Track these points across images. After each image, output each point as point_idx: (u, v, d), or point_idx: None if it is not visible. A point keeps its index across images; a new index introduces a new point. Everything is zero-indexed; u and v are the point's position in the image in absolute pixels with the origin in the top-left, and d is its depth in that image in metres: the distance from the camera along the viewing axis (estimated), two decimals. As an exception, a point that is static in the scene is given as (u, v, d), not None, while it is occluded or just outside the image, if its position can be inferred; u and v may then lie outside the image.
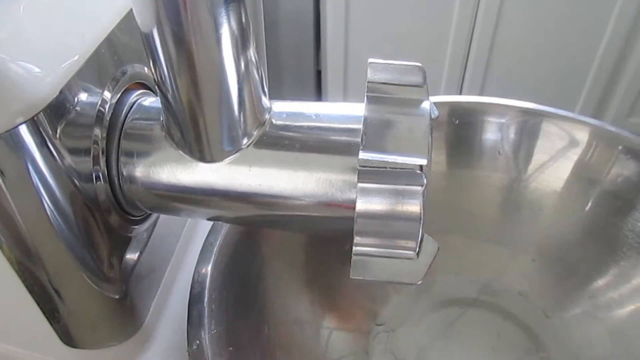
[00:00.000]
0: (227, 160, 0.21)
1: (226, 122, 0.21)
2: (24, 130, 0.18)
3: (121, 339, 0.27)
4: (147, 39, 0.19)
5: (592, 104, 1.16)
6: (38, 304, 0.23)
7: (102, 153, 0.22)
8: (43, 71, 0.19)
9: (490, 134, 0.38)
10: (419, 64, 0.21)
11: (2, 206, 0.20)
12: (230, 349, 0.27)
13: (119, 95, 0.23)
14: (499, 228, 0.39)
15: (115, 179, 0.23)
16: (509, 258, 0.39)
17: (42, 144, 0.19)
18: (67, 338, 0.25)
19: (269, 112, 0.22)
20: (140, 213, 0.26)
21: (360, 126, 0.20)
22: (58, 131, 0.19)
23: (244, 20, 0.19)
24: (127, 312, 0.26)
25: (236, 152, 0.21)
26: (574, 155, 0.36)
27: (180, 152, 0.22)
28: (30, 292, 0.23)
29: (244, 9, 0.18)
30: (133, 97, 0.24)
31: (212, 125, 0.21)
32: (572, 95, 1.16)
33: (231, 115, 0.20)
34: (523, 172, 0.38)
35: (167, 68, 0.19)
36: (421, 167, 0.19)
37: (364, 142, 0.19)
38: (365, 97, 0.20)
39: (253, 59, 0.20)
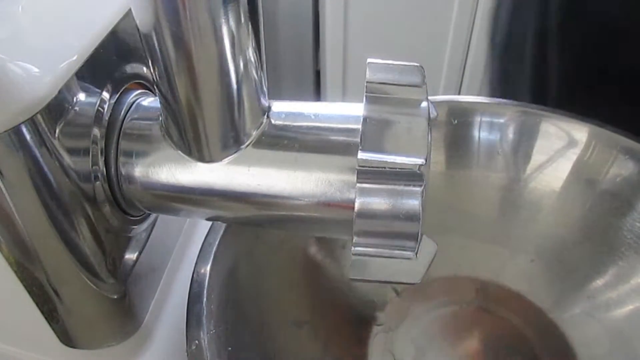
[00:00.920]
0: (226, 160, 0.21)
1: (225, 122, 0.21)
2: (22, 130, 0.18)
3: (120, 339, 0.27)
4: (146, 39, 0.19)
5: (591, 104, 1.16)
6: (37, 304, 0.23)
7: (101, 153, 0.22)
8: (42, 71, 0.19)
9: (489, 134, 0.38)
10: (418, 64, 0.21)
11: (0, 206, 0.20)
12: (230, 349, 0.27)
13: (117, 95, 0.23)
14: (497, 228, 0.39)
15: (114, 178, 0.23)
16: (508, 258, 0.39)
17: (40, 143, 0.19)
18: (66, 338, 0.25)
19: (268, 112, 0.22)
20: (139, 213, 0.26)
21: (359, 126, 0.20)
22: (57, 131, 0.19)
23: (242, 20, 0.19)
24: (125, 312, 0.26)
25: (235, 152, 0.21)
26: (572, 155, 0.36)
27: (179, 152, 0.22)
28: (29, 292, 0.23)
29: (243, 9, 0.18)
30: (132, 97, 0.24)
31: (211, 125, 0.21)
32: (571, 95, 1.16)
33: (230, 115, 0.20)
34: (522, 172, 0.38)
35: (165, 68, 0.19)
36: (420, 167, 0.19)
37: (363, 142, 0.19)
38: (364, 97, 0.20)
39: (252, 59, 0.20)
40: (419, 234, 0.19)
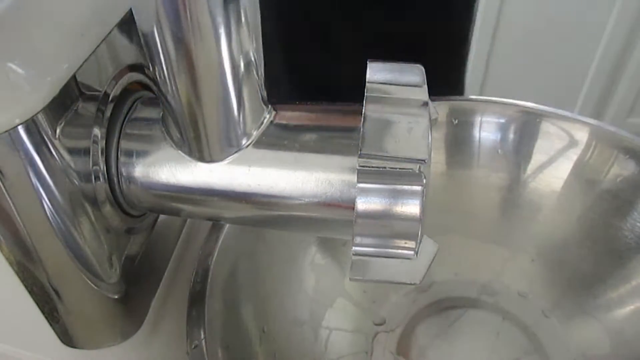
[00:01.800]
0: (227, 160, 0.21)
1: (225, 122, 0.21)
2: (23, 131, 0.18)
3: (120, 339, 0.27)
4: (146, 39, 0.19)
5: (592, 103, 1.17)
6: (37, 304, 0.23)
7: (102, 153, 0.22)
8: (42, 71, 0.19)
9: (490, 134, 0.38)
10: (419, 64, 0.21)
11: (1, 206, 0.20)
12: (230, 348, 0.27)
13: (118, 95, 0.23)
14: (498, 228, 0.39)
15: (115, 178, 0.23)
16: (508, 258, 0.39)
17: (41, 144, 0.19)
18: (67, 338, 0.25)
19: (269, 112, 0.22)
20: (140, 213, 0.26)
21: (359, 126, 0.20)
22: (57, 131, 0.19)
23: (242, 20, 0.19)
24: (126, 312, 0.26)
25: (235, 152, 0.21)
26: (573, 155, 0.36)
27: (180, 152, 0.22)
28: (30, 292, 0.23)
29: (242, 9, 0.18)
30: (132, 97, 0.24)
31: (211, 125, 0.21)
32: (571, 95, 1.16)
33: (230, 115, 0.20)
34: (522, 172, 0.38)
35: (166, 68, 0.19)
36: (420, 167, 0.19)
37: (363, 142, 0.19)
38: (365, 97, 0.20)
39: (252, 58, 0.20)
40: (420, 234, 0.19)
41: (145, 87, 0.25)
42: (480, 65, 1.11)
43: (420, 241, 0.20)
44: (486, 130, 0.38)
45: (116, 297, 0.25)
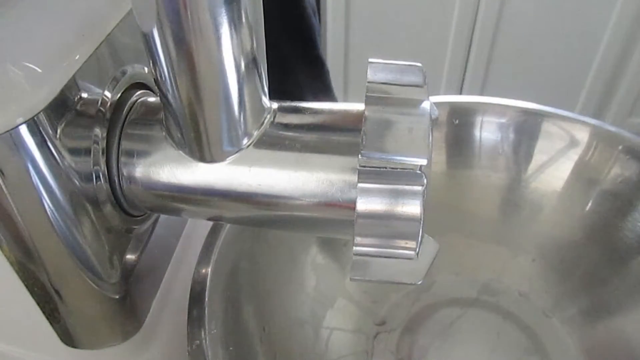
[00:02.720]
0: (227, 160, 0.21)
1: (226, 122, 0.21)
2: (24, 130, 0.18)
3: (121, 339, 0.27)
4: (147, 39, 0.19)
5: (593, 103, 1.16)
6: (38, 304, 0.23)
7: (102, 153, 0.22)
8: (43, 71, 0.19)
9: (490, 134, 0.38)
10: (419, 64, 0.21)
11: (2, 206, 0.20)
12: (230, 349, 0.27)
13: (119, 95, 0.23)
14: (499, 228, 0.39)
15: (116, 178, 0.23)
16: (508, 258, 0.39)
17: (42, 144, 0.19)
18: (67, 338, 0.25)
19: (269, 112, 0.22)
20: (141, 213, 0.26)
21: (360, 126, 0.20)
22: (58, 131, 0.19)
23: (243, 19, 0.19)
24: (127, 312, 0.26)
25: (236, 152, 0.21)
26: (574, 155, 0.36)
27: (181, 152, 0.22)
28: (30, 292, 0.23)
29: (244, 8, 0.18)
30: (133, 97, 0.24)
31: (212, 125, 0.21)
32: (572, 95, 1.16)
33: (231, 115, 0.20)
34: (523, 172, 0.38)
35: (167, 68, 0.19)
36: (421, 167, 0.19)
37: (364, 142, 0.19)
38: (365, 97, 0.20)
39: (254, 58, 0.20)
40: (420, 234, 0.19)
41: (146, 87, 0.25)
42: (481, 66, 1.11)
43: (421, 241, 0.20)
44: (487, 130, 0.38)
45: (117, 297, 0.25)
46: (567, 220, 0.37)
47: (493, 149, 0.38)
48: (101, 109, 0.22)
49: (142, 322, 0.28)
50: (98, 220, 0.22)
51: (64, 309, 0.24)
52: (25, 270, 0.22)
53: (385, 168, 0.19)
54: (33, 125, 0.18)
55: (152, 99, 0.25)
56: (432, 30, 1.07)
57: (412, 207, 0.19)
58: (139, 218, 0.26)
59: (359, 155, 0.19)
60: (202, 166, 0.22)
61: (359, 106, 0.22)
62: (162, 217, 0.28)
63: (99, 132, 0.22)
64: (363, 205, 0.19)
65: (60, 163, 0.20)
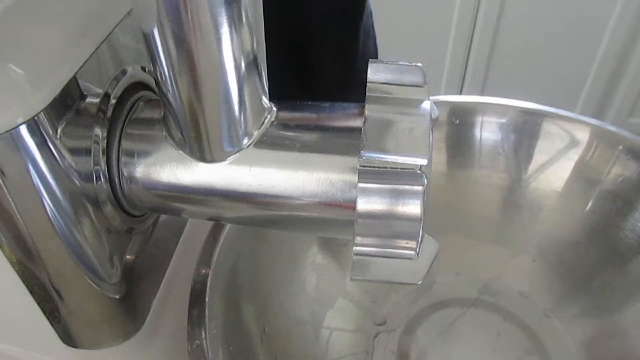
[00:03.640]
0: (228, 160, 0.21)
1: (226, 122, 0.21)
2: (24, 130, 0.18)
3: (121, 339, 0.27)
4: (148, 39, 0.19)
5: (593, 103, 1.16)
6: (38, 304, 0.23)
7: (103, 153, 0.22)
8: (43, 71, 0.19)
9: (491, 134, 0.38)
10: (419, 64, 0.21)
11: (2, 206, 0.20)
12: (231, 348, 0.27)
13: (119, 95, 0.23)
14: (499, 228, 0.39)
15: (116, 178, 0.23)
16: (509, 258, 0.39)
17: (42, 143, 0.19)
18: (68, 338, 0.25)
19: (270, 112, 0.22)
20: (141, 213, 0.26)
21: (360, 126, 0.20)
22: (59, 131, 0.19)
23: (244, 20, 0.19)
24: (127, 312, 0.26)
25: (236, 152, 0.21)
26: (574, 155, 0.36)
27: (181, 152, 0.22)
28: (31, 292, 0.23)
29: (244, 8, 0.18)
30: (134, 96, 0.24)
31: (212, 125, 0.21)
32: (572, 95, 1.16)
33: (231, 115, 0.20)
34: (523, 172, 0.38)
35: (167, 68, 0.19)
36: (421, 167, 0.19)
37: (364, 142, 0.19)
38: (366, 97, 0.20)
39: (254, 58, 0.20)
40: (421, 234, 0.19)
41: (146, 87, 0.25)
42: (481, 65, 1.11)
43: (421, 241, 0.20)
44: (487, 131, 0.38)
45: (117, 297, 0.25)
46: (568, 220, 0.37)
47: (493, 149, 0.38)
48: (101, 108, 0.22)
49: (143, 322, 0.28)
50: (98, 220, 0.22)
51: (65, 309, 0.24)
52: (26, 270, 0.22)
53: (386, 168, 0.19)
54: (33, 125, 0.18)
55: (152, 99, 0.25)
56: (432, 30, 1.07)
57: (413, 207, 0.19)
58: (139, 218, 0.26)
59: (359, 155, 0.19)
60: (203, 166, 0.22)
61: (359, 106, 0.22)
62: (162, 217, 0.28)
63: (99, 132, 0.22)
64: (363, 205, 0.19)
65: (61, 163, 0.20)
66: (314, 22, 0.45)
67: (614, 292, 0.35)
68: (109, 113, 0.22)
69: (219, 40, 0.18)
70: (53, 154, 0.20)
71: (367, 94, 0.20)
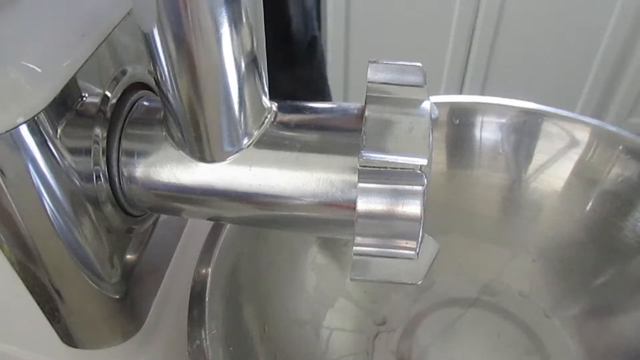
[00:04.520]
0: (228, 160, 0.21)
1: (226, 122, 0.21)
2: (24, 130, 0.18)
3: (122, 339, 0.27)
4: (148, 39, 0.19)
5: (593, 103, 1.16)
6: (38, 304, 0.23)
7: (103, 153, 0.22)
8: (43, 71, 0.19)
9: (491, 134, 0.38)
10: (419, 64, 0.21)
11: (2, 206, 0.20)
12: (231, 348, 0.27)
13: (119, 95, 0.23)
14: (499, 228, 0.39)
15: (116, 178, 0.23)
16: (509, 258, 0.39)
17: (42, 143, 0.19)
18: (68, 338, 0.25)
19: (270, 112, 0.22)
20: (141, 213, 0.26)
21: (360, 126, 0.20)
22: (59, 131, 0.19)
23: (244, 19, 0.19)
24: (127, 312, 0.26)
25: (236, 152, 0.21)
26: (574, 155, 0.36)
27: (181, 152, 0.22)
28: (31, 292, 0.23)
29: (244, 8, 0.18)
30: (134, 96, 0.24)
31: (212, 125, 0.21)
32: (572, 95, 1.16)
33: (231, 115, 0.20)
34: (523, 172, 0.38)
35: (167, 68, 0.19)
36: (421, 167, 0.19)
37: (364, 142, 0.19)
38: (366, 97, 0.20)
39: (254, 58, 0.20)
40: (421, 234, 0.19)
41: (146, 87, 0.25)
42: (481, 65, 1.11)
43: (421, 241, 0.20)
44: (487, 130, 0.38)
45: (117, 297, 0.25)
46: (568, 220, 0.37)
47: (493, 149, 0.38)
48: (101, 108, 0.22)
49: (143, 322, 0.28)
50: (98, 220, 0.22)
51: (64, 309, 0.24)
52: (26, 270, 0.22)
53: (386, 168, 0.19)
54: (33, 125, 0.18)
55: (152, 99, 0.25)
56: (432, 30, 1.07)
57: (413, 207, 0.19)
58: (139, 218, 0.26)
59: (359, 155, 0.19)
60: (203, 166, 0.22)
61: (359, 106, 0.22)
62: (162, 217, 0.28)
63: (99, 132, 0.22)
64: (363, 205, 0.19)
65: (61, 163, 0.20)
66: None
67: (614, 292, 0.35)
68: (109, 113, 0.22)
69: (219, 40, 0.18)
70: (53, 154, 0.20)
71: (367, 93, 0.20)
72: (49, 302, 0.23)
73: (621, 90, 1.13)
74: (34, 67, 0.19)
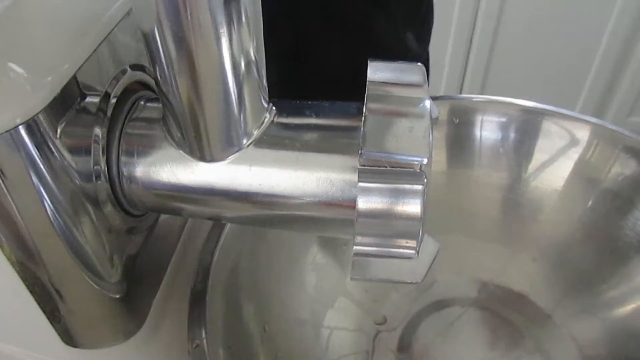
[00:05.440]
0: (228, 159, 0.21)
1: (226, 122, 0.21)
2: (24, 130, 0.18)
3: (122, 338, 0.27)
4: (147, 39, 0.19)
5: (593, 102, 1.16)
6: (39, 304, 0.23)
7: (103, 152, 0.22)
8: (43, 71, 0.19)
9: (491, 133, 0.38)
10: (419, 64, 0.21)
11: (2, 206, 0.20)
12: (230, 349, 0.27)
13: (119, 94, 0.23)
14: (499, 227, 0.39)
15: (116, 178, 0.23)
16: (509, 257, 0.39)
17: (42, 143, 0.19)
18: (68, 338, 0.25)
19: (269, 112, 0.22)
20: (141, 212, 0.26)
21: (360, 125, 0.20)
22: (59, 131, 0.19)
23: (243, 19, 0.19)
24: (127, 311, 0.26)
25: (236, 151, 0.21)
26: (574, 154, 0.36)
27: (181, 151, 0.22)
28: (31, 292, 0.23)
29: (243, 8, 0.18)
30: (133, 96, 0.24)
31: (212, 124, 0.21)
32: (572, 93, 1.16)
33: (231, 114, 0.20)
34: (523, 171, 0.38)
35: (167, 67, 0.19)
36: (421, 166, 0.19)
37: (364, 141, 0.19)
38: (366, 96, 0.20)
39: (253, 58, 0.20)
40: (421, 233, 0.19)
41: (146, 86, 0.25)
42: (481, 64, 1.11)
43: (422, 240, 0.20)
44: (487, 130, 0.38)
45: (117, 296, 0.25)
46: (568, 219, 0.37)
47: (493, 148, 0.38)
48: (101, 108, 0.22)
49: (143, 322, 0.28)
50: (98, 219, 0.22)
51: (65, 309, 0.24)
52: (26, 270, 0.22)
53: (386, 167, 0.19)
54: (33, 125, 0.18)
55: (152, 99, 0.25)
56: (433, 30, 1.07)
57: (413, 206, 0.19)
58: (139, 218, 0.26)
59: (359, 155, 0.19)
60: (203, 165, 0.22)
61: (359, 105, 0.22)
62: (162, 217, 0.28)
63: (99, 131, 0.22)
64: (363, 204, 0.19)
65: (61, 163, 0.20)
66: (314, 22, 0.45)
67: (614, 291, 0.35)
68: (109, 112, 0.22)
69: (218, 39, 0.18)
70: (53, 154, 0.20)
71: (367, 93, 0.20)
72: (49, 302, 0.23)
73: (621, 89, 1.13)
74: (34, 66, 0.19)
